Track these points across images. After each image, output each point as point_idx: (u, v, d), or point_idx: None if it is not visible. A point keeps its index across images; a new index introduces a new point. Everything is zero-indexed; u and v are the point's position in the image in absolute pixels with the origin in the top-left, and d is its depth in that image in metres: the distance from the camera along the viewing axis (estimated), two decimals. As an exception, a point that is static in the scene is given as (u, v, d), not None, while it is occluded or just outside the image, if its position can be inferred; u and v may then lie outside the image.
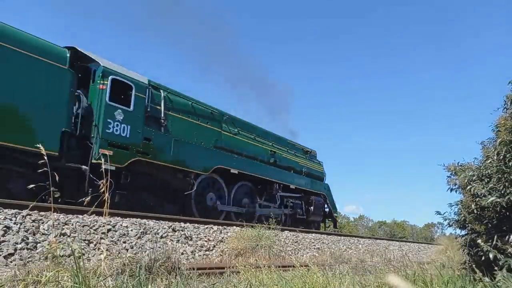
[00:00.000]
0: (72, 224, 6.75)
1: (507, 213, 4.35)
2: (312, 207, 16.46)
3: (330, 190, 18.59)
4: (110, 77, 8.99)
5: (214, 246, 9.02)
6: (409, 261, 7.50)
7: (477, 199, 4.53)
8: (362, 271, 7.01)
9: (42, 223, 6.41)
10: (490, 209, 4.46)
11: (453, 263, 7.25)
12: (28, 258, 5.49)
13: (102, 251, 3.27)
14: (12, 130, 7.27)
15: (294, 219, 15.70)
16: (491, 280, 3.65)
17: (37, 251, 5.72)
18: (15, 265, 4.94)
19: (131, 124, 9.23)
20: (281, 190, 14.80)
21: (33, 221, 6.31)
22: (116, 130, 8.88)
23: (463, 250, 5.57)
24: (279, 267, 5.14)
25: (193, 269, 4.98)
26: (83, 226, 6.85)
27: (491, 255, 3.92)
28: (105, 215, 3.28)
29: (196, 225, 9.58)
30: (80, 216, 7.08)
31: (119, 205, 8.93)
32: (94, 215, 7.19)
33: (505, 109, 4.84)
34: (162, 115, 10.34)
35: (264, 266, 4.47)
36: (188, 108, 11.54)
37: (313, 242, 12.56)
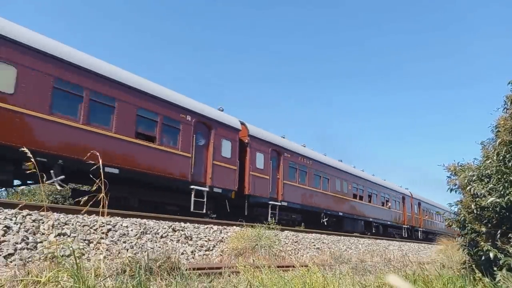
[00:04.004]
0: (72, 224, 6.76)
1: (507, 213, 4.36)
2: None
3: None
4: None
5: (214, 246, 9.02)
6: (409, 261, 7.50)
7: (477, 199, 4.53)
8: (362, 271, 7.01)
9: (42, 223, 6.41)
10: (490, 209, 4.47)
11: (453, 263, 7.26)
12: (28, 258, 5.49)
13: (102, 251, 3.27)
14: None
15: None
16: (491, 280, 3.66)
17: (37, 251, 5.72)
18: (15, 265, 4.94)
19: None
20: None
21: (33, 221, 6.31)
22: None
23: (463, 250, 5.58)
24: (279, 267, 5.14)
25: (193, 269, 4.98)
26: (83, 226, 6.85)
27: (491, 255, 3.93)
28: (104, 215, 3.27)
29: (196, 225, 9.58)
30: (80, 216, 7.07)
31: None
32: (94, 215, 7.20)
33: (505, 109, 4.84)
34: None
35: (264, 266, 4.47)
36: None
37: (313, 242, 12.56)
